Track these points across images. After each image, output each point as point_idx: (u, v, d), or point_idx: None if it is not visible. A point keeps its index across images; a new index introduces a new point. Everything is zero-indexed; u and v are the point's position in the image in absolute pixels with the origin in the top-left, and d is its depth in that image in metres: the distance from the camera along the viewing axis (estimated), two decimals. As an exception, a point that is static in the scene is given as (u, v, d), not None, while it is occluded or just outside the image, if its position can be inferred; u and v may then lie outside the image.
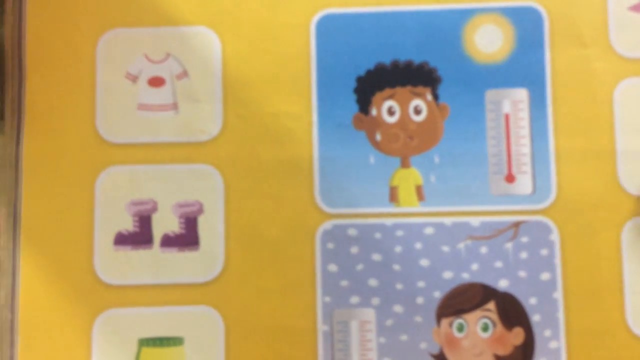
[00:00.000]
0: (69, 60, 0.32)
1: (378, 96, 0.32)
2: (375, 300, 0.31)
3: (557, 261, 0.31)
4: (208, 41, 0.32)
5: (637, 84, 0.32)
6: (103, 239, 0.31)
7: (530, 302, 0.31)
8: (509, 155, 0.31)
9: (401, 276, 0.31)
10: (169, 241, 0.31)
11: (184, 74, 0.32)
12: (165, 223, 0.31)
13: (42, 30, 0.32)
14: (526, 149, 0.31)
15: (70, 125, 0.32)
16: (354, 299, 0.31)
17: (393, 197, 0.31)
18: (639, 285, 0.30)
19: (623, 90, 0.32)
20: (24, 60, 0.32)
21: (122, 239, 0.31)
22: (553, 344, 0.30)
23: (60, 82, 0.32)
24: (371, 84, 0.32)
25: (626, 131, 0.31)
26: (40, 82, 0.32)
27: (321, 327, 0.31)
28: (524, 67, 0.32)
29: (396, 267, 0.31)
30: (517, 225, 0.31)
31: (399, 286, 0.31)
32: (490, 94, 0.32)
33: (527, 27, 0.32)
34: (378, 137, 0.32)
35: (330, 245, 0.31)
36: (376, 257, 0.31)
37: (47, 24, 0.32)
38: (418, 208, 0.31)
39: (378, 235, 0.31)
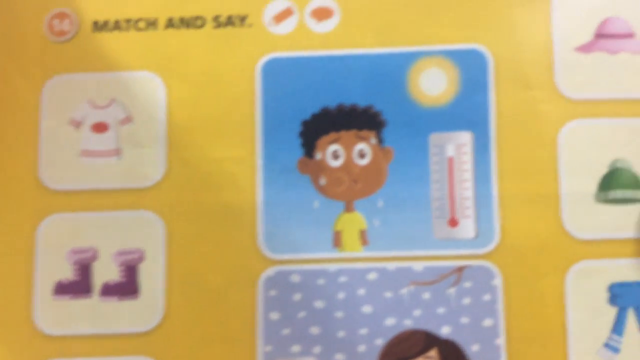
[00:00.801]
0: (12, 107, 0.32)
1: (323, 140, 0.32)
2: (317, 349, 0.31)
3: (500, 307, 0.31)
4: (153, 86, 0.32)
5: (583, 126, 0.32)
6: (43, 288, 0.31)
7: (472, 349, 0.30)
8: (452, 199, 0.31)
9: (343, 323, 0.31)
10: (108, 290, 0.31)
11: (128, 119, 0.32)
12: (106, 271, 0.31)
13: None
14: (469, 193, 0.31)
15: (12, 172, 0.32)
16: (295, 348, 0.31)
17: (337, 242, 0.31)
18: (583, 331, 0.30)
19: (568, 132, 0.32)
20: (-34, 106, 0.32)
21: (61, 289, 0.31)
22: None
23: (2, 130, 0.32)
24: (316, 128, 0.32)
25: (570, 174, 0.32)
26: (-18, 128, 0.32)
27: (263, 376, 0.30)
28: (469, 110, 0.32)
29: (338, 314, 0.31)
30: (460, 270, 0.31)
31: (340, 334, 0.31)
32: (434, 138, 0.32)
33: (472, 70, 0.32)
34: (322, 181, 0.32)
35: (272, 292, 0.31)
36: (319, 304, 0.31)
37: (-10, 70, 0.32)
38: (362, 253, 0.31)
39: (321, 282, 0.31)
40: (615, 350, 0.31)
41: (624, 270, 0.31)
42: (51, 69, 0.33)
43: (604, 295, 0.31)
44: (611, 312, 0.31)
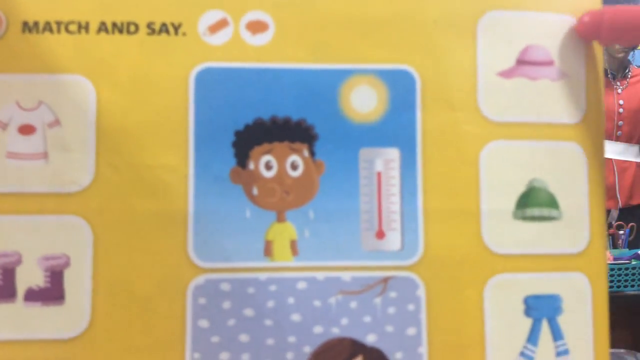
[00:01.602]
0: None
1: (256, 150, 0.46)
2: (246, 356, 0.44)
3: (423, 316, 0.46)
4: (82, 90, 0.45)
5: (503, 147, 0.48)
6: None
7: (396, 356, 0.45)
8: (379, 212, 0.47)
9: (272, 331, 0.45)
10: (33, 295, 0.43)
11: (56, 122, 0.45)
12: (30, 276, 0.43)
13: None
14: (396, 207, 0.47)
15: None
16: (224, 355, 0.44)
17: (268, 251, 0.46)
18: (500, 341, 0.46)
19: (489, 152, 0.48)
20: None
21: None
22: None
23: None
24: (249, 139, 0.47)
25: (490, 192, 0.47)
26: None
27: (190, 384, 0.44)
28: (397, 127, 0.47)
29: (268, 322, 0.45)
30: (386, 280, 0.46)
31: (269, 341, 0.45)
32: (364, 153, 0.47)
33: (400, 89, 0.48)
34: (255, 191, 0.46)
35: (201, 300, 0.44)
36: (248, 312, 0.45)
37: None
38: (292, 262, 0.46)
39: (251, 290, 0.45)
40: (530, 358, 0.46)
41: (538, 283, 0.47)
42: (-25, 67, 0.45)
43: (520, 307, 0.47)
44: (527, 323, 0.47)
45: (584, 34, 0.48)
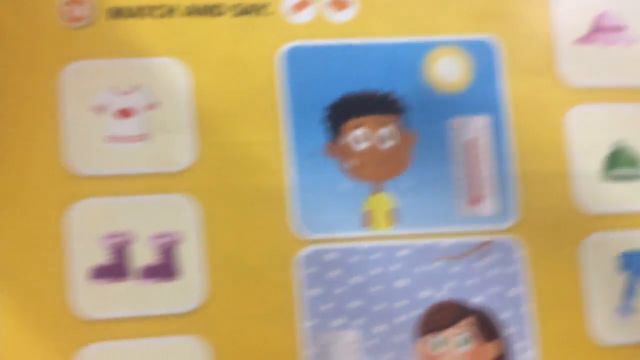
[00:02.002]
0: (31, 92, 0.53)
1: (347, 125, 0.56)
2: (357, 322, 0.54)
3: (524, 277, 0.56)
4: (177, 72, 0.55)
5: (586, 110, 0.59)
6: (78, 273, 0.52)
7: (502, 316, 0.55)
8: (473, 179, 0.57)
9: (380, 297, 0.54)
10: (147, 273, 0.52)
11: (154, 104, 0.54)
12: (143, 255, 0.53)
13: (0, 59, 0.53)
14: (489, 172, 0.57)
15: (35, 158, 0.53)
16: (336, 322, 0.54)
17: (367, 221, 0.55)
18: (598, 297, 0.56)
19: (573, 116, 0.58)
20: (-18, 92, 0.53)
21: (98, 273, 0.52)
22: (526, 355, 0.55)
23: (22, 115, 0.53)
24: (340, 113, 0.57)
25: (578, 154, 0.58)
26: (0, 113, 0.53)
27: (305, 351, 0.53)
28: (483, 95, 0.58)
29: (375, 289, 0.54)
30: (484, 244, 0.56)
31: (378, 307, 0.54)
32: (454, 122, 0.57)
33: (483, 59, 0.58)
34: (349, 164, 0.56)
35: (309, 270, 0.54)
36: (355, 280, 0.54)
37: (5, 56, 0.54)
38: (391, 231, 0.55)
39: (355, 259, 0.55)
40: (627, 312, 0.57)
41: (631, 240, 0.57)
42: (68, 55, 0.54)
43: (615, 263, 0.57)
44: (622, 278, 0.57)
45: None
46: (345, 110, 0.56)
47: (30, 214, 0.51)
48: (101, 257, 0.51)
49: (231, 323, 0.51)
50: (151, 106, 0.54)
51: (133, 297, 0.51)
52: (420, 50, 0.57)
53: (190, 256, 0.52)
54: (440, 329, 0.54)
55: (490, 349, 0.54)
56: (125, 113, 0.53)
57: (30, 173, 0.52)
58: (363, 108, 0.56)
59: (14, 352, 0.49)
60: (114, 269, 0.51)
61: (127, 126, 0.53)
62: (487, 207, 0.56)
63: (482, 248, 0.55)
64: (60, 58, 0.54)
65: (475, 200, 0.56)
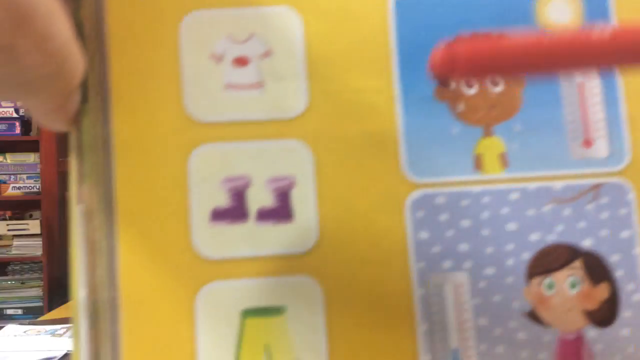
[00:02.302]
0: (152, 42, 0.55)
1: None
2: (467, 264, 0.55)
3: (635, 219, 0.55)
4: (290, 20, 0.56)
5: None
6: (199, 215, 0.54)
7: (612, 259, 0.55)
8: (585, 121, 0.56)
9: (490, 240, 0.55)
10: (264, 215, 0.54)
11: (268, 53, 0.56)
12: (259, 198, 0.54)
13: (122, 12, 0.55)
14: (600, 115, 0.56)
15: (158, 105, 0.55)
16: (447, 264, 0.54)
17: (478, 165, 0.56)
18: None
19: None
20: (105, 43, 0.55)
21: (218, 215, 0.54)
22: (636, 297, 0.55)
23: (145, 64, 0.55)
24: (449, 58, 0.57)
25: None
26: (124, 64, 0.55)
27: (417, 292, 0.54)
28: (594, 38, 0.57)
29: (485, 232, 0.55)
30: (596, 187, 0.55)
31: (488, 250, 0.55)
32: (564, 65, 0.57)
33: (595, 1, 0.57)
34: (460, 107, 0.56)
35: (419, 214, 0.55)
36: (465, 223, 0.55)
37: (128, 6, 0.56)
38: (502, 174, 0.56)
39: (465, 202, 0.55)
40: None
41: None
42: (189, 4, 0.56)
43: None
44: None
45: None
46: (455, 55, 0.56)
47: (155, 159, 0.53)
48: (221, 199, 0.53)
49: (343, 265, 0.53)
50: (266, 54, 0.55)
51: (251, 238, 0.53)
52: (531, -6, 0.56)
53: (302, 200, 0.54)
54: (550, 272, 0.54)
55: (600, 291, 0.54)
56: (241, 61, 0.55)
57: (155, 120, 0.54)
58: (473, 52, 0.56)
59: (137, 289, 0.51)
60: (233, 211, 0.53)
61: (243, 74, 0.55)
62: (599, 149, 0.56)
63: (594, 190, 0.55)
64: (181, 8, 0.55)
65: (587, 142, 0.56)
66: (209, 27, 0.55)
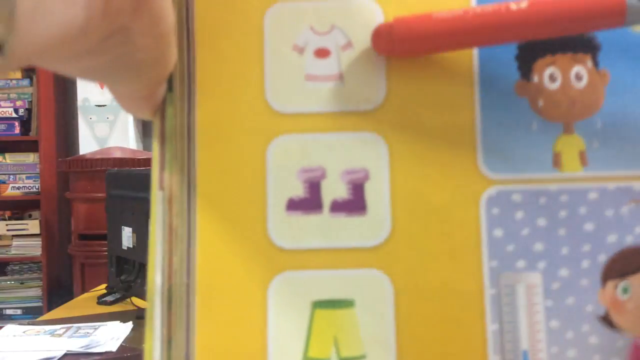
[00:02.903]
0: (237, 31, 0.55)
1: (539, 63, 0.55)
2: (541, 264, 0.53)
3: None
4: (371, 12, 0.55)
5: None
6: (275, 204, 0.54)
7: None
8: None
9: (566, 240, 0.53)
10: (337, 206, 0.54)
11: (349, 44, 0.55)
12: (334, 189, 0.54)
13: (209, 2, 0.55)
14: None
15: (240, 95, 0.55)
16: (520, 263, 0.53)
17: (556, 162, 0.54)
18: None
19: None
20: (192, 32, 0.55)
21: (293, 205, 0.54)
22: None
23: (229, 54, 0.55)
24: (532, 51, 0.55)
25: None
26: (209, 54, 0.55)
27: (489, 291, 0.53)
28: (685, 33, 0.54)
29: (561, 231, 0.53)
30: None
31: (564, 250, 0.53)
32: (651, 61, 0.54)
33: None
34: (540, 103, 0.54)
35: (495, 211, 0.54)
36: (541, 221, 0.53)
37: (215, -2, 0.56)
38: (582, 173, 0.54)
39: (542, 200, 0.54)
40: None
41: None
42: (273, -4, 0.56)
43: None
44: None
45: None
46: (537, 48, 0.54)
47: (235, 148, 0.54)
48: (297, 190, 0.53)
49: (414, 260, 0.53)
50: (346, 46, 0.54)
51: (324, 229, 0.53)
52: (620, -14, 0.54)
53: (376, 192, 0.53)
54: (626, 275, 0.52)
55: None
56: (322, 53, 0.54)
57: (237, 110, 0.54)
58: (556, 46, 0.54)
59: (213, 275, 0.52)
60: (308, 202, 0.53)
61: (324, 66, 0.54)
62: (685, 151, 0.53)
63: (677, 193, 0.52)
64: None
65: (672, 143, 0.53)
66: (292, 18, 0.55)
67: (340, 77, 0.55)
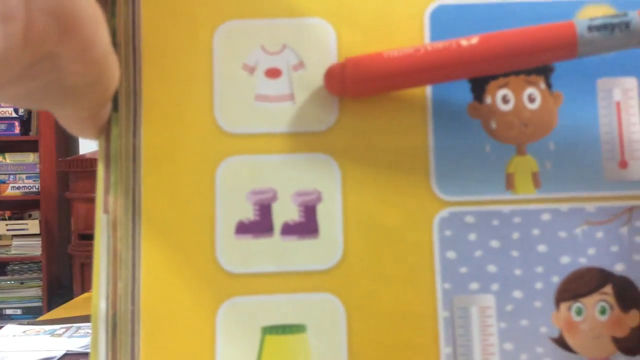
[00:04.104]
0: (185, 51, 0.53)
1: (492, 84, 0.53)
2: (495, 286, 0.51)
3: None
4: (324, 32, 0.53)
5: None
6: (224, 228, 0.51)
7: None
8: (621, 142, 0.52)
9: (519, 262, 0.51)
10: (289, 229, 0.51)
11: (301, 64, 0.52)
12: (285, 212, 0.51)
13: (157, 20, 0.53)
14: (638, 136, 0.52)
15: (188, 115, 0.52)
16: (474, 285, 0.51)
17: (509, 184, 0.52)
18: None
19: None
20: (138, 51, 0.52)
21: (243, 228, 0.51)
22: None
23: (177, 73, 0.52)
24: (484, 74, 0.53)
25: None
26: (156, 72, 0.52)
27: (442, 313, 0.51)
28: (633, 56, 0.53)
29: (514, 253, 0.51)
30: (631, 210, 0.51)
31: (517, 272, 0.51)
32: (602, 83, 0.53)
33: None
34: (493, 125, 0.52)
35: (447, 233, 0.51)
36: (494, 243, 0.51)
37: (163, 15, 0.53)
38: (534, 195, 0.52)
39: (495, 222, 0.51)
40: None
41: None
42: (223, 14, 0.53)
43: None
44: None
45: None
46: (489, 71, 0.52)
47: (183, 170, 0.51)
48: (247, 212, 0.51)
49: (366, 283, 0.50)
50: (298, 66, 0.52)
51: (275, 253, 0.50)
52: (569, 9, 0.53)
53: (328, 215, 0.51)
54: (580, 297, 0.50)
55: (630, 318, 0.50)
56: (273, 73, 0.52)
57: (184, 130, 0.52)
58: (508, 68, 0.52)
59: (158, 302, 0.49)
60: (258, 225, 0.50)
61: (275, 86, 0.52)
62: (635, 171, 0.52)
63: (628, 213, 0.51)
64: (216, 16, 0.53)
65: (623, 163, 0.52)
66: (243, 37, 0.53)
67: (292, 97, 0.52)
